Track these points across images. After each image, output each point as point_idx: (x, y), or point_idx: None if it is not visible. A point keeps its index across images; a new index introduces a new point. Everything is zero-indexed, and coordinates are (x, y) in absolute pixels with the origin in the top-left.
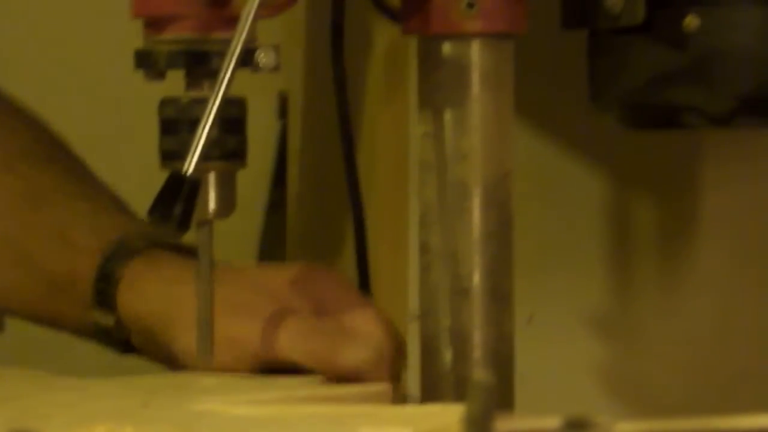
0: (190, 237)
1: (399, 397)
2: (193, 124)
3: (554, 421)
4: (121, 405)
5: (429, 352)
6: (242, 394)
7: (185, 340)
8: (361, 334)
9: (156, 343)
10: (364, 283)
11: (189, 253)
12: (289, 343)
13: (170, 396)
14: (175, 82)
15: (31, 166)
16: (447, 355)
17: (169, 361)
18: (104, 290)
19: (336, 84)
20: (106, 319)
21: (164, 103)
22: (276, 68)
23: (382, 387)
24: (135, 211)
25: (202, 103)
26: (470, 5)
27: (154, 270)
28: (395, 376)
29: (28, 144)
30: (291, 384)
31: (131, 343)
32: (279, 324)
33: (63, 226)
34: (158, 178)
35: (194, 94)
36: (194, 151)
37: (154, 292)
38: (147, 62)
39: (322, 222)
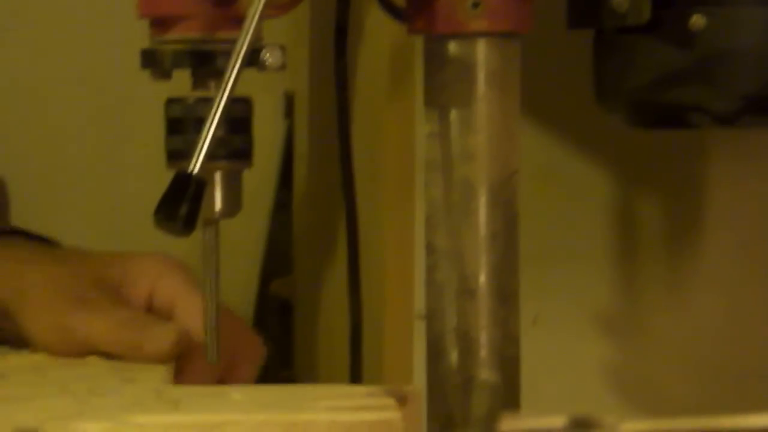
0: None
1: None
2: (199, 123)
3: (560, 421)
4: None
5: (435, 351)
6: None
7: (32, 325)
8: (163, 323)
9: (9, 323)
10: (354, 282)
11: (41, 240)
12: (105, 335)
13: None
14: (181, 82)
15: None
16: (453, 355)
17: (22, 342)
18: None
19: (337, 82)
20: (7, 334)
21: (170, 103)
22: (282, 68)
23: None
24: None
25: (208, 102)
26: (476, 5)
27: (3, 252)
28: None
29: None
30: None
31: None
32: (100, 316)
33: None
34: (164, 177)
35: (200, 93)
36: (200, 151)
37: (2, 274)
38: (153, 62)
39: (328, 221)
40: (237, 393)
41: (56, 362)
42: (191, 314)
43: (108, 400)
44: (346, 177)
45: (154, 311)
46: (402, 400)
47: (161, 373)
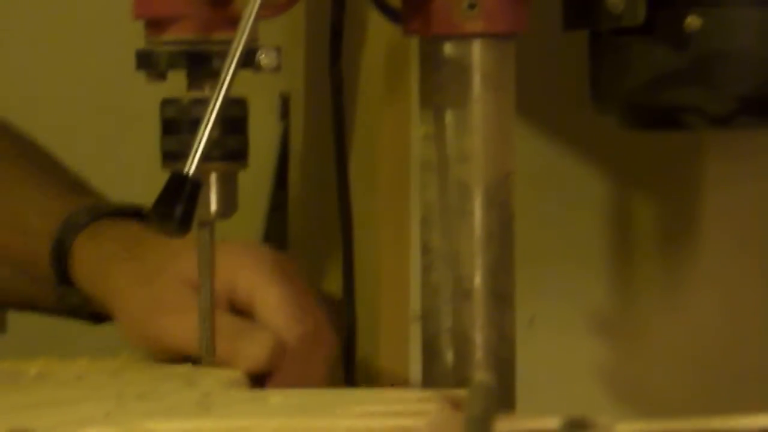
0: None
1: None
2: (194, 124)
3: (555, 422)
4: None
5: (430, 353)
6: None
7: (122, 333)
8: (257, 330)
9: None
10: (349, 283)
11: (139, 216)
12: (193, 344)
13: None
14: (176, 83)
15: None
16: (448, 357)
17: None
18: (59, 268)
19: (332, 85)
20: (71, 295)
21: (165, 104)
22: (277, 69)
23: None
24: (98, 193)
25: (204, 103)
26: (471, 6)
27: (95, 246)
28: (314, 359)
29: None
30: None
31: (101, 315)
32: (185, 323)
33: (17, 214)
34: (159, 178)
35: (195, 94)
36: (195, 152)
37: (92, 271)
38: (148, 63)
39: (323, 223)
40: (277, 396)
41: (133, 366)
42: (271, 309)
43: (145, 405)
44: (341, 179)
45: (236, 306)
46: (456, 405)
47: (230, 376)
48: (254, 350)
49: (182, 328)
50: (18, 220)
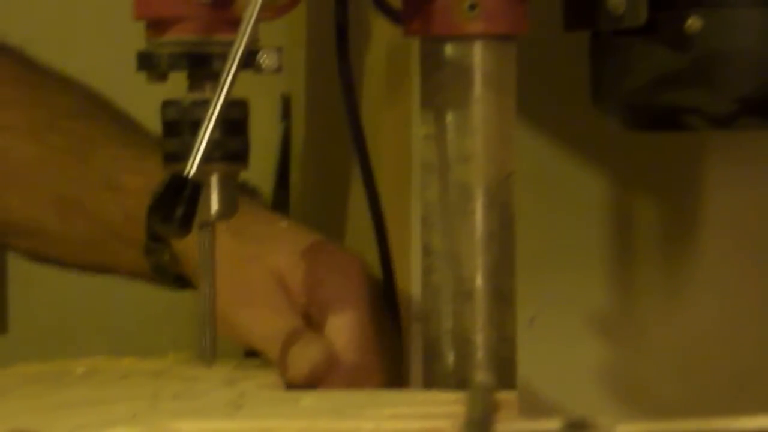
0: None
1: None
2: (195, 125)
3: (555, 423)
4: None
5: (431, 354)
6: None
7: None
8: (312, 344)
9: None
10: (389, 286)
11: (244, 190)
12: (259, 342)
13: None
14: (177, 84)
15: (75, 122)
16: (449, 357)
17: None
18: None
19: (343, 83)
20: (161, 252)
21: (166, 105)
22: (278, 70)
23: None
24: None
25: (205, 104)
26: (472, 7)
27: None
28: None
29: (74, 101)
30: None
31: (185, 279)
32: (259, 319)
33: (110, 173)
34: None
35: (196, 95)
36: (196, 153)
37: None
38: (149, 64)
39: (325, 223)
40: (309, 398)
41: (177, 366)
42: (337, 330)
43: (178, 404)
44: (367, 176)
45: (310, 313)
46: (496, 406)
47: (269, 377)
48: (299, 362)
49: (258, 323)
50: (108, 177)
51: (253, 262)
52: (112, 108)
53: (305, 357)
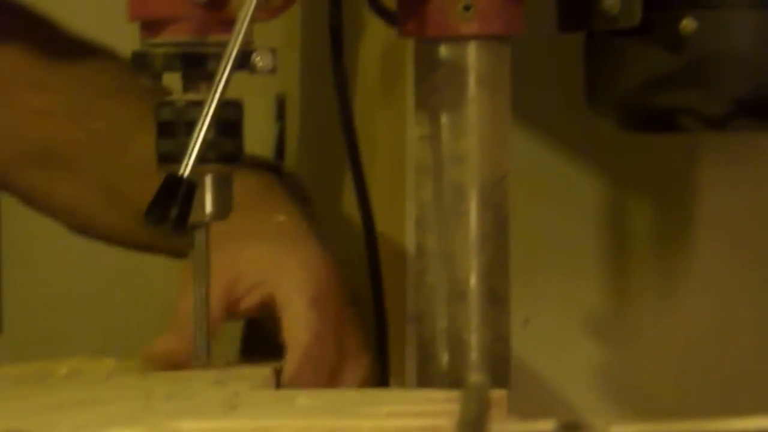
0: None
1: None
2: (190, 126)
3: (549, 424)
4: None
5: (426, 354)
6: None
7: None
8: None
9: None
10: (377, 286)
11: (271, 168)
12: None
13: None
14: (171, 85)
15: (112, 102)
16: (444, 358)
17: None
18: None
19: (336, 83)
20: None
21: (161, 106)
22: (273, 71)
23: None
24: None
25: (199, 105)
26: (467, 8)
27: (241, 195)
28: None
29: (109, 79)
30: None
31: None
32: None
33: (146, 160)
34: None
35: (191, 96)
36: (191, 154)
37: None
38: (143, 64)
39: (319, 223)
40: (304, 397)
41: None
42: (294, 328)
43: (173, 404)
44: (357, 175)
45: (265, 307)
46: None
47: (260, 377)
48: (158, 341)
49: (255, 255)
50: (145, 165)
51: (231, 241)
52: (142, 85)
53: (164, 340)
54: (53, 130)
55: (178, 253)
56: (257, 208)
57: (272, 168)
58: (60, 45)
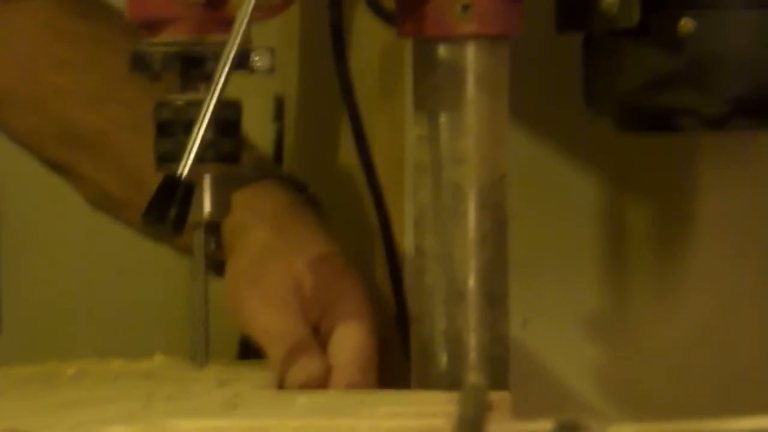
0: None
1: None
2: (188, 126)
3: (547, 425)
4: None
5: (424, 355)
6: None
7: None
8: (312, 358)
9: None
10: (397, 285)
11: (297, 187)
12: (265, 337)
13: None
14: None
15: (130, 90)
16: (442, 359)
17: None
18: None
19: (342, 87)
20: (207, 244)
21: (159, 106)
22: (271, 70)
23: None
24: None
25: (198, 105)
26: (465, 8)
27: (256, 207)
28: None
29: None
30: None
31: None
32: (268, 315)
33: None
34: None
35: (189, 96)
36: (189, 154)
37: (237, 225)
38: (142, 64)
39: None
40: (303, 397)
41: (168, 368)
42: (345, 348)
43: (173, 404)
44: (369, 173)
45: (317, 325)
46: (489, 407)
47: (261, 378)
48: (297, 371)
49: (266, 317)
50: None
51: (279, 258)
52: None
53: (304, 369)
54: (72, 113)
55: (189, 250)
56: (296, 230)
57: (299, 186)
58: (86, 21)
